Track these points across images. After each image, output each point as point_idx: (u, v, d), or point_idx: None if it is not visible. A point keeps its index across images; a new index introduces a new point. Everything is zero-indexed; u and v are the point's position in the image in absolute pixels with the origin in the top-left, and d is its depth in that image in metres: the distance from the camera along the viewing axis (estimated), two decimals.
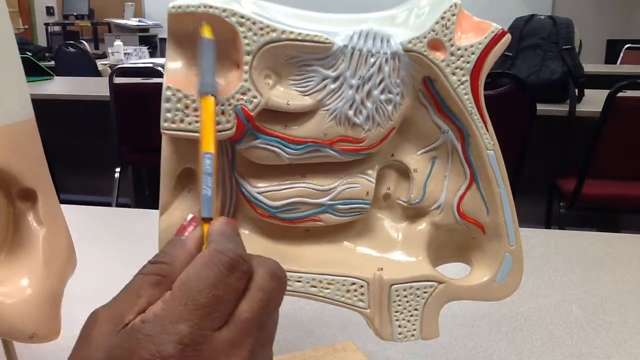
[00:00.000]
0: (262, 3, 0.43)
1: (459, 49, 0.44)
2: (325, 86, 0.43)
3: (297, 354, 0.62)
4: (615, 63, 4.65)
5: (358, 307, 0.47)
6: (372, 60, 0.43)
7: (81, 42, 4.48)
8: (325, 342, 0.66)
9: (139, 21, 6.34)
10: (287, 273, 0.46)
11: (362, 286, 0.46)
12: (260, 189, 0.46)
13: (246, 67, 0.42)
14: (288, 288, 0.46)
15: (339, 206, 0.46)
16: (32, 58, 3.32)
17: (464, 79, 0.44)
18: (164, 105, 0.41)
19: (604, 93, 2.09)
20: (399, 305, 0.47)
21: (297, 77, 0.43)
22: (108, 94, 2.52)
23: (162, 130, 0.42)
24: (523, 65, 2.37)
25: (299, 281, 0.46)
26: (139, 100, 2.42)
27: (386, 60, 0.43)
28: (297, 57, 0.43)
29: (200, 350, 0.26)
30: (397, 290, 0.46)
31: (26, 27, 7.20)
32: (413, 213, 0.49)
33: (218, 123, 0.42)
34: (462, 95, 0.44)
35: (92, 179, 3.22)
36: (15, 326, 0.44)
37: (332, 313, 0.71)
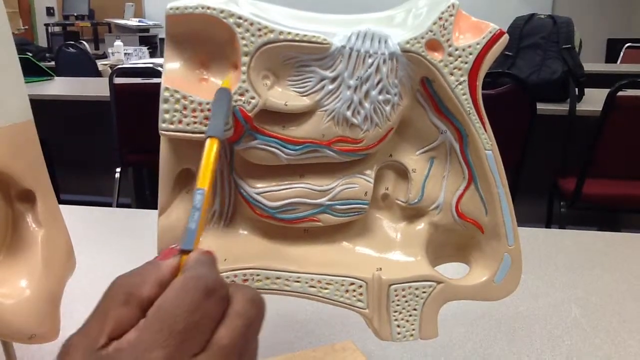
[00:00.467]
0: (259, 4, 0.44)
1: (456, 50, 0.44)
2: (323, 87, 0.43)
3: (296, 353, 0.62)
4: (616, 62, 4.65)
5: (357, 307, 0.47)
6: (370, 60, 0.43)
7: (81, 43, 4.48)
8: (324, 342, 0.66)
9: (139, 21, 6.34)
10: (285, 273, 0.46)
11: (360, 286, 0.46)
12: (258, 189, 0.46)
13: (244, 68, 0.42)
14: (287, 288, 0.46)
15: (338, 206, 0.47)
16: (32, 58, 3.32)
17: (462, 79, 0.44)
18: (162, 106, 0.41)
19: (605, 92, 2.08)
20: (397, 305, 0.47)
21: (295, 77, 0.43)
22: (108, 94, 2.52)
23: (160, 131, 0.42)
24: (523, 64, 2.37)
25: (298, 281, 0.46)
26: (140, 101, 2.42)
27: (384, 61, 0.43)
28: (295, 57, 0.43)
29: None
30: (395, 290, 0.46)
31: (26, 27, 7.20)
32: (411, 213, 0.49)
33: None
34: (460, 95, 0.44)
35: (92, 179, 3.22)
36: (14, 327, 0.44)
37: (331, 313, 0.71)
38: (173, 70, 0.43)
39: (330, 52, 0.43)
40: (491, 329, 0.69)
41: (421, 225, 0.49)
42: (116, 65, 3.14)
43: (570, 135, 2.29)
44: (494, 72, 2.24)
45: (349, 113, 0.44)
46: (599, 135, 2.11)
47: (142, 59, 4.09)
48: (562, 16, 2.47)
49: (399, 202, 0.49)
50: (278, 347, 0.65)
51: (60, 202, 0.51)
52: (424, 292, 0.47)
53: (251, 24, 0.41)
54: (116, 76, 2.51)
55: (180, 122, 0.42)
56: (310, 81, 0.43)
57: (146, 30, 6.31)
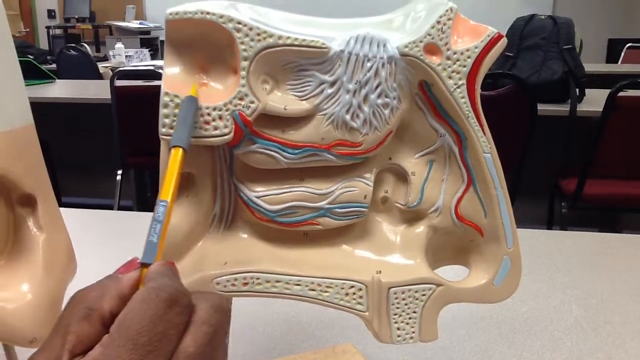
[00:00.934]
0: (259, 8, 0.44)
1: (455, 53, 0.44)
2: (322, 91, 0.43)
3: (297, 356, 0.62)
4: (617, 62, 4.64)
5: (357, 310, 0.47)
6: (369, 64, 0.43)
7: (82, 45, 4.49)
8: (325, 344, 0.66)
9: (140, 23, 6.34)
10: (285, 277, 0.46)
11: (360, 289, 0.47)
12: (258, 193, 0.46)
13: (243, 73, 0.42)
14: (287, 292, 0.47)
15: (337, 210, 0.47)
16: (33, 61, 3.32)
17: (460, 82, 0.44)
18: (162, 111, 0.41)
19: (605, 93, 2.08)
20: (397, 308, 0.47)
21: (294, 82, 0.44)
22: (109, 96, 2.52)
23: (160, 136, 0.42)
24: (524, 65, 2.37)
25: (298, 285, 0.46)
26: (141, 103, 2.42)
27: (383, 65, 0.43)
28: (294, 62, 0.43)
29: None
30: (395, 293, 0.47)
31: (27, 30, 7.21)
32: (411, 216, 0.49)
33: (216, 128, 0.42)
34: (458, 98, 0.44)
35: (93, 182, 3.22)
36: (15, 331, 0.44)
37: (332, 316, 0.72)
38: (173, 75, 0.43)
39: (329, 56, 0.43)
40: (491, 331, 0.70)
41: (420, 228, 0.49)
42: (117, 67, 3.14)
43: (571, 135, 2.29)
44: (495, 73, 2.24)
45: (348, 117, 0.44)
46: (600, 135, 2.11)
47: (143, 61, 4.10)
48: (562, 17, 2.47)
49: (398, 205, 0.49)
50: (279, 350, 0.65)
51: (62, 204, 0.51)
52: (423, 294, 0.47)
53: (250, 29, 0.41)
54: (117, 78, 2.51)
55: None
56: (309, 85, 0.43)
57: (147, 32, 6.32)
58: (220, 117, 0.42)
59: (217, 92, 0.43)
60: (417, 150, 0.48)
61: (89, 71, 3.89)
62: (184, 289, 0.29)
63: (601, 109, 2.09)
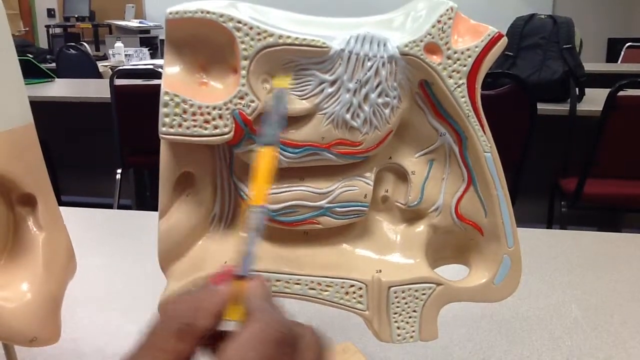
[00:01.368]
0: (259, 8, 0.44)
1: (455, 52, 0.44)
2: (322, 90, 0.43)
3: None
4: (616, 62, 4.64)
5: (357, 309, 0.47)
6: (369, 64, 0.43)
7: (82, 44, 4.48)
8: None
9: (140, 22, 6.34)
10: (285, 275, 0.46)
11: (360, 288, 0.47)
12: None
13: (243, 72, 0.42)
14: (287, 291, 0.47)
15: (337, 209, 0.47)
16: (33, 60, 3.32)
17: (460, 82, 0.44)
18: (162, 110, 0.41)
19: (605, 92, 2.08)
20: (397, 307, 0.47)
21: (294, 81, 0.44)
22: (109, 95, 2.52)
23: (160, 135, 0.42)
24: (524, 64, 2.37)
25: (298, 284, 0.46)
26: (140, 102, 2.42)
27: (383, 64, 0.43)
28: (294, 61, 0.43)
29: None
30: (395, 292, 0.47)
31: (27, 29, 7.20)
32: (411, 215, 0.49)
33: (216, 127, 0.42)
34: (459, 98, 0.44)
35: (93, 181, 3.22)
36: (15, 330, 0.44)
37: (332, 315, 0.71)
38: (173, 74, 0.43)
39: (329, 55, 0.43)
40: (491, 330, 0.70)
41: (421, 228, 0.49)
42: (117, 66, 3.14)
43: (571, 135, 2.29)
44: (495, 72, 2.24)
45: (348, 116, 0.44)
46: (600, 135, 2.11)
47: (142, 60, 4.09)
48: (562, 16, 2.46)
49: (398, 204, 0.49)
50: None
51: (61, 203, 0.51)
52: (423, 294, 0.47)
53: (250, 28, 0.41)
54: (117, 77, 2.51)
55: (180, 125, 0.42)
56: (309, 84, 0.43)
57: (147, 31, 6.31)
58: (221, 116, 0.42)
59: (217, 91, 0.43)
60: (418, 150, 0.48)
61: (89, 70, 3.89)
62: (289, 324, 0.29)
63: (601, 109, 2.08)
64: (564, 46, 2.34)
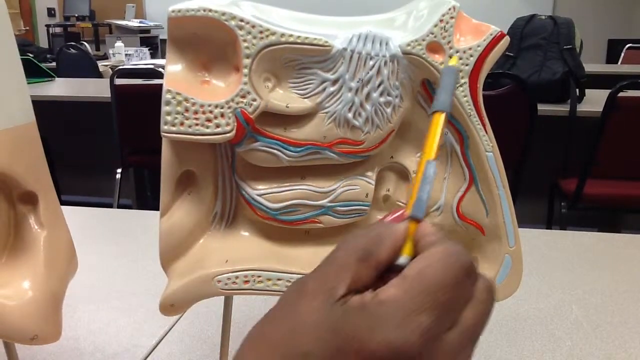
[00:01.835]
0: (261, 6, 0.44)
1: (457, 52, 0.44)
2: (324, 89, 0.43)
3: None
4: (617, 63, 4.64)
5: None
6: (371, 62, 0.43)
7: (82, 44, 4.49)
8: None
9: (140, 22, 6.33)
10: (286, 274, 0.46)
11: None
12: (260, 191, 0.46)
13: (245, 70, 0.42)
14: None
15: (339, 208, 0.47)
16: (33, 59, 3.32)
17: (462, 81, 0.44)
18: (164, 109, 0.41)
19: (605, 93, 2.08)
20: None
21: (296, 79, 0.44)
22: (109, 95, 2.52)
23: (162, 133, 0.42)
24: (524, 65, 2.37)
25: None
26: (140, 102, 2.42)
27: (385, 63, 0.43)
28: (296, 60, 0.43)
29: (433, 348, 0.25)
30: None
31: (27, 28, 7.20)
32: None
33: (218, 126, 0.42)
34: (460, 97, 0.44)
35: (93, 180, 3.22)
36: (16, 328, 0.44)
37: None
38: (175, 72, 0.43)
39: (331, 54, 0.43)
40: (492, 330, 0.70)
41: None
42: (117, 66, 3.14)
43: (571, 136, 2.29)
44: (495, 72, 2.24)
45: (350, 115, 0.44)
46: (600, 136, 2.11)
47: (143, 59, 4.09)
48: (562, 17, 2.46)
49: (400, 203, 0.49)
50: None
51: (61, 203, 0.51)
52: None
53: (253, 27, 0.41)
54: (117, 77, 2.51)
55: (182, 124, 0.42)
56: (311, 83, 0.43)
57: (147, 31, 6.31)
58: (222, 115, 0.42)
59: (219, 90, 0.43)
60: (419, 149, 0.48)
61: (89, 70, 3.89)
62: (471, 257, 0.29)
63: (601, 109, 2.09)
64: (564, 47, 2.34)
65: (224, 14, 0.41)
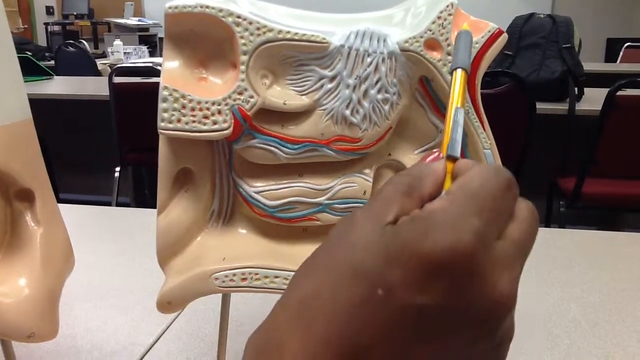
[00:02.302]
0: (259, 3, 0.44)
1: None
2: (322, 86, 0.43)
3: None
4: (615, 61, 4.64)
5: None
6: (369, 59, 0.43)
7: (81, 42, 4.48)
8: None
9: (139, 20, 6.33)
10: (284, 272, 0.46)
11: None
12: (257, 188, 0.46)
13: (243, 67, 0.42)
14: (286, 287, 0.46)
15: (337, 205, 0.47)
16: (32, 58, 3.32)
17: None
18: (161, 105, 0.41)
19: (604, 92, 2.08)
20: None
21: (294, 76, 0.43)
22: (108, 93, 2.52)
23: (159, 130, 0.42)
24: (523, 64, 2.37)
25: None
26: (139, 100, 2.42)
27: (383, 60, 0.43)
28: (293, 56, 0.43)
29: (485, 253, 0.25)
30: None
31: (26, 26, 7.19)
32: None
33: (215, 123, 0.42)
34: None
35: (92, 178, 3.22)
36: (13, 326, 0.44)
37: None
38: (172, 69, 0.43)
39: (329, 51, 0.43)
40: None
41: None
42: (116, 64, 3.14)
43: (570, 134, 2.29)
44: (494, 71, 2.24)
45: (347, 112, 0.44)
46: (599, 134, 2.11)
47: (141, 58, 4.09)
48: (561, 15, 2.47)
49: None
50: None
51: (60, 201, 0.51)
52: None
53: (250, 23, 0.41)
54: (115, 75, 2.51)
55: (179, 121, 0.42)
56: (309, 80, 0.43)
57: (146, 29, 6.31)
58: (220, 112, 0.42)
59: (216, 87, 0.43)
60: (417, 146, 0.48)
61: (87, 68, 3.89)
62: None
63: (600, 108, 2.09)
64: (563, 46, 2.34)
65: (221, 10, 0.41)
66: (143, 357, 0.63)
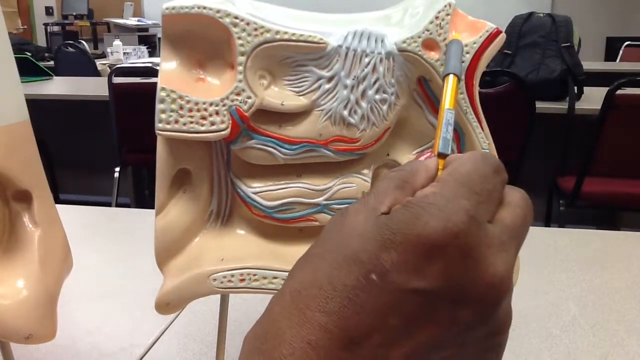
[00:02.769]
0: (256, 3, 0.44)
1: None
2: (319, 86, 0.43)
3: None
4: (615, 60, 4.64)
5: None
6: (367, 60, 0.43)
7: (80, 42, 4.48)
8: None
9: (138, 21, 6.33)
10: (283, 273, 0.46)
11: None
12: (255, 189, 0.46)
13: (240, 68, 0.42)
14: None
15: (335, 206, 0.46)
16: (31, 58, 3.31)
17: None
18: (159, 106, 0.41)
19: (604, 91, 2.08)
20: None
21: (291, 77, 0.43)
22: (107, 93, 2.52)
23: (156, 131, 0.42)
24: (522, 63, 2.37)
25: None
26: (138, 100, 2.41)
27: (380, 60, 0.43)
28: (291, 57, 0.43)
29: (477, 234, 0.25)
30: None
31: (25, 27, 7.19)
32: None
33: (213, 123, 0.42)
34: (456, 94, 0.44)
35: (91, 179, 3.22)
36: (11, 327, 0.44)
37: None
38: (169, 70, 0.43)
39: (326, 51, 0.43)
40: None
41: None
42: (115, 64, 3.14)
43: (570, 134, 2.29)
44: (493, 70, 2.24)
45: (345, 112, 0.44)
46: (598, 134, 2.11)
47: (141, 58, 4.09)
48: (561, 15, 2.47)
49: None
50: None
51: (60, 201, 0.51)
52: None
53: (247, 24, 0.41)
54: (115, 76, 2.51)
55: (176, 122, 0.42)
56: (306, 81, 0.43)
57: (145, 29, 6.31)
58: (217, 113, 0.42)
59: (214, 87, 0.43)
60: (416, 146, 0.48)
61: (87, 68, 3.89)
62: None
63: (599, 107, 2.09)
64: (563, 45, 2.34)
65: (218, 11, 0.41)
66: (142, 357, 0.63)
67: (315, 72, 0.43)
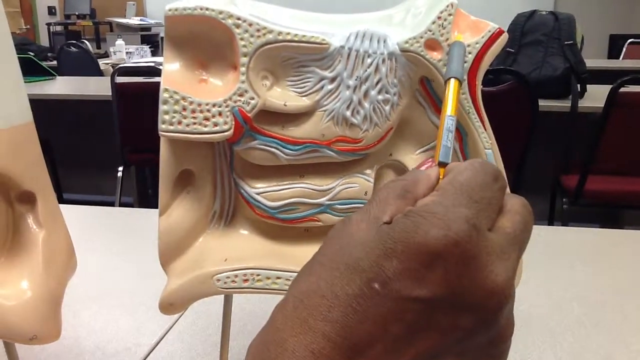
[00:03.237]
0: (258, 4, 0.44)
1: None
2: (322, 87, 0.43)
3: None
4: (618, 58, 4.63)
5: None
6: (369, 60, 0.43)
7: (83, 42, 4.48)
8: None
9: (141, 20, 6.33)
10: (286, 273, 0.46)
11: None
12: (259, 189, 0.46)
13: (243, 69, 0.42)
14: (287, 289, 0.46)
15: (338, 206, 0.47)
16: (34, 58, 3.32)
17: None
18: (162, 108, 0.41)
19: (607, 88, 2.08)
20: None
21: (294, 78, 0.43)
22: (110, 93, 2.52)
23: (160, 132, 0.42)
24: (525, 61, 2.36)
25: None
26: (141, 100, 2.42)
27: (383, 61, 0.43)
28: (294, 58, 0.43)
29: (478, 242, 0.25)
30: None
31: (28, 27, 7.20)
32: None
33: (216, 124, 0.42)
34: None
35: (95, 179, 3.22)
36: (15, 328, 0.44)
37: None
38: (172, 71, 0.43)
39: (329, 52, 0.43)
40: None
41: None
42: (118, 64, 3.14)
43: (573, 132, 2.29)
44: (496, 69, 2.24)
45: (348, 113, 0.44)
46: (601, 131, 2.11)
47: (143, 57, 4.10)
48: (563, 12, 2.46)
49: None
50: None
51: (63, 201, 0.51)
52: None
53: (250, 25, 0.41)
54: (118, 75, 2.51)
55: (179, 123, 0.42)
56: (309, 81, 0.43)
57: (148, 29, 6.31)
58: (220, 114, 0.42)
59: (216, 89, 0.43)
60: (418, 146, 0.48)
61: (90, 68, 3.89)
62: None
63: (602, 105, 2.08)
64: (566, 42, 2.34)
65: (220, 12, 0.41)
66: (146, 357, 0.63)
67: (318, 72, 0.43)
